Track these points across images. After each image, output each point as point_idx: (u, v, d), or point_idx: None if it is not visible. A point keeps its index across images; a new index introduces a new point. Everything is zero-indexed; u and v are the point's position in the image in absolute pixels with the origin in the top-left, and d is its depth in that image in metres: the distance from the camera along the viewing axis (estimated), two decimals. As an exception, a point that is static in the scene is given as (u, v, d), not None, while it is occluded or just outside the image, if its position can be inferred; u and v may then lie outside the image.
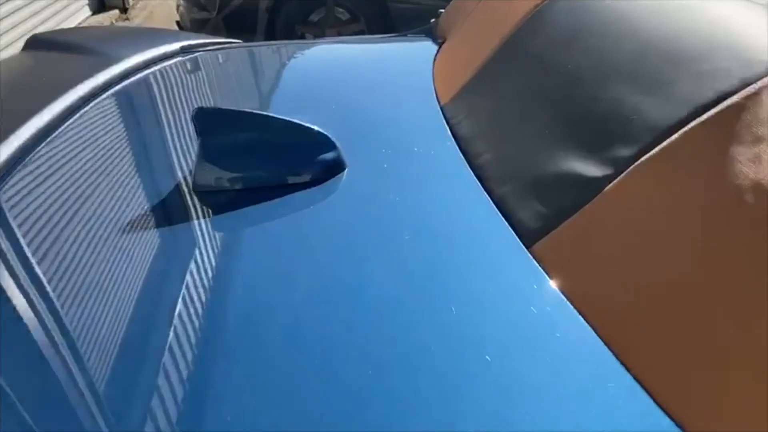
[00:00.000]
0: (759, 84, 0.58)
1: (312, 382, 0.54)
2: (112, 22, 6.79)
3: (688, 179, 0.59)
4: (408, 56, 1.37)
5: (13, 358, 0.58)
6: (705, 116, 0.59)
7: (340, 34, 4.66)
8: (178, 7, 5.09)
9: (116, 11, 7.11)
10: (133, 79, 1.22)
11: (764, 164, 0.53)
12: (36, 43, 1.29)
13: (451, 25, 1.37)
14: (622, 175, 0.63)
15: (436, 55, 1.30)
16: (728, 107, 0.59)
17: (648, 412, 0.51)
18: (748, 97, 0.58)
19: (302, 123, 0.82)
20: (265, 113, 0.80)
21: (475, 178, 0.80)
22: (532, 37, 0.93)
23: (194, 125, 0.79)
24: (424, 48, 1.37)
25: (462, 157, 0.85)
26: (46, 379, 0.57)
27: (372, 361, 0.56)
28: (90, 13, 6.76)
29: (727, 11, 0.75)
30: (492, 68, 0.97)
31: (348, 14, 4.77)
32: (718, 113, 0.59)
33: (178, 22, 5.16)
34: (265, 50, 1.56)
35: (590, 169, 0.66)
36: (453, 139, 0.90)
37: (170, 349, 0.58)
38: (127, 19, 7.04)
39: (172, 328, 0.61)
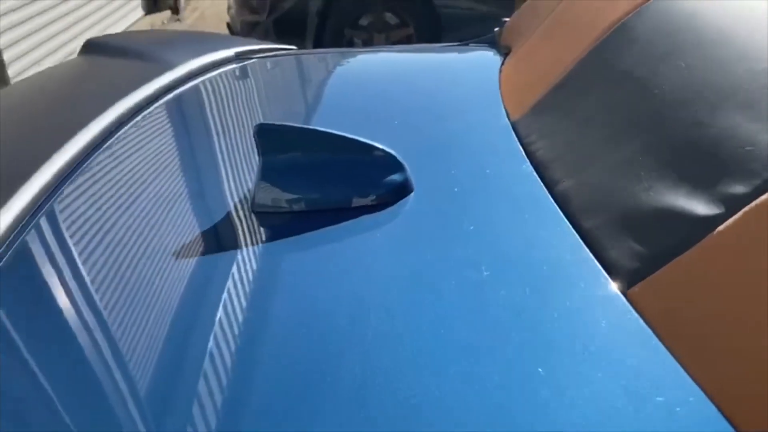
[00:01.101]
0: None
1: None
2: (163, 23, 6.91)
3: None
4: (472, 67, 1.30)
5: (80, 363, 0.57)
6: None
7: (389, 38, 4.65)
8: (228, 9, 5.15)
9: (168, 12, 7.24)
10: (188, 85, 1.19)
11: None
12: (92, 47, 1.26)
13: (519, 34, 1.29)
14: (737, 215, 0.56)
15: (501, 66, 1.23)
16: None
17: None
18: None
19: (367, 141, 0.76)
20: (329, 131, 0.75)
21: (556, 206, 0.73)
22: (623, 47, 0.85)
23: (255, 143, 0.74)
24: (488, 59, 1.31)
25: (540, 181, 0.78)
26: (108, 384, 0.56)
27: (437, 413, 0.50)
28: (143, 13, 6.91)
29: None
30: (573, 82, 0.89)
31: (397, 19, 4.75)
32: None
33: (228, 24, 5.21)
34: (321, 58, 1.51)
35: (696, 206, 0.59)
36: (528, 161, 0.83)
37: (227, 373, 0.54)
38: (179, 20, 7.15)
39: (224, 353, 0.57)
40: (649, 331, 0.56)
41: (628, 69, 0.80)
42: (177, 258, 0.70)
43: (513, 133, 0.92)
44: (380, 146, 0.76)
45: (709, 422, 0.49)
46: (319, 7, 4.63)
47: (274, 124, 0.75)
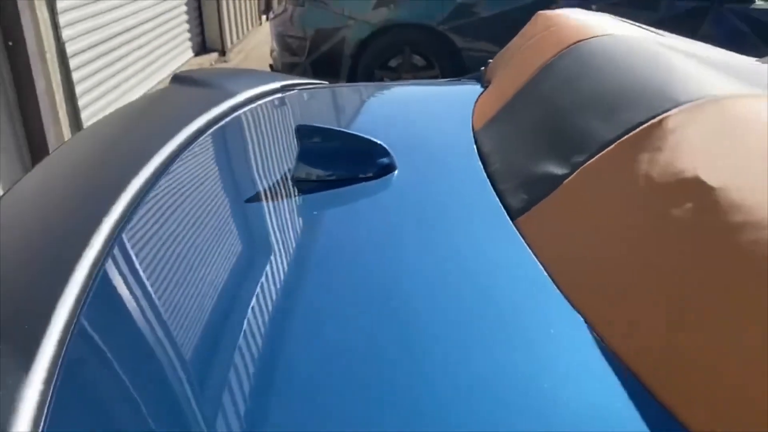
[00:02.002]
0: (663, 116, 0.90)
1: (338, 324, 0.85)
2: (211, 63, 7.45)
3: (614, 176, 0.91)
4: (459, 96, 1.72)
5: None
6: (626, 136, 0.92)
7: (416, 78, 5.08)
8: (271, 52, 5.66)
9: (215, 54, 7.76)
10: (245, 109, 1.63)
11: (660, 165, 0.85)
12: (177, 79, 1.73)
13: (495, 71, 1.72)
14: (576, 173, 0.96)
15: (479, 95, 1.65)
16: (642, 129, 0.91)
17: (616, 370, 0.70)
18: (654, 124, 0.90)
19: (368, 137, 1.19)
20: (343, 130, 1.17)
21: (486, 177, 1.14)
22: (540, 83, 1.27)
23: (296, 135, 1.17)
24: (472, 90, 1.73)
25: (481, 165, 1.20)
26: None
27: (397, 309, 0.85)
28: (193, 54, 7.40)
29: (675, 63, 1.07)
30: (512, 105, 1.31)
31: (424, 61, 5.19)
32: (636, 133, 0.91)
33: (271, 65, 5.72)
34: (347, 90, 1.96)
35: (557, 169, 0.99)
36: (477, 153, 1.25)
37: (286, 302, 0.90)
38: (225, 61, 7.71)
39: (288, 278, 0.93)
40: (526, 244, 0.95)
41: (538, 95, 1.23)
42: (254, 223, 1.11)
43: (472, 138, 1.33)
44: (376, 140, 1.18)
45: (574, 326, 0.79)
46: (352, 50, 5.09)
47: (307, 125, 1.18)
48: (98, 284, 0.85)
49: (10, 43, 3.50)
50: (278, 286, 0.89)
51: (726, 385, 0.61)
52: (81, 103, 4.25)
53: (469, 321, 0.80)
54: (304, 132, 1.18)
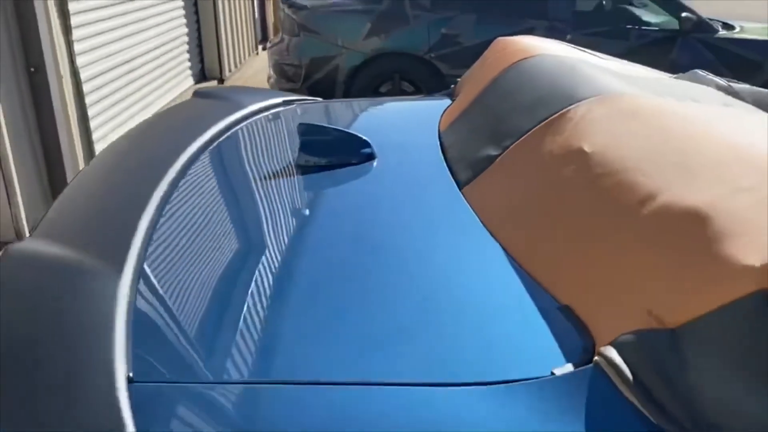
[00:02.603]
0: (563, 110, 1.25)
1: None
2: (211, 91, 7.76)
3: (531, 153, 1.25)
4: (430, 108, 2.07)
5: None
6: (538, 126, 1.27)
7: (404, 103, 5.43)
8: (269, 78, 6.01)
9: (215, 81, 8.09)
10: (254, 118, 1.97)
11: (558, 143, 1.19)
12: (198, 94, 2.07)
13: (461, 88, 2.07)
14: (504, 152, 1.30)
15: (447, 107, 2.00)
16: (549, 120, 1.25)
17: (522, 277, 1.05)
18: (557, 116, 1.24)
19: (355, 133, 1.53)
20: (333, 126, 1.52)
21: (445, 164, 1.48)
22: (488, 93, 1.63)
23: (297, 131, 1.52)
24: (443, 103, 2.08)
25: (442, 156, 1.54)
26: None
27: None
28: (193, 82, 7.72)
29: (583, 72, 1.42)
30: (467, 111, 1.66)
31: (412, 87, 5.55)
32: (545, 123, 1.26)
33: (268, 91, 6.05)
34: (339, 104, 2.31)
35: (492, 151, 1.34)
36: (439, 147, 1.59)
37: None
38: (224, 88, 8.04)
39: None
40: (468, 204, 1.29)
41: (489, 102, 1.58)
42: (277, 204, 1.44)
43: (437, 136, 1.68)
44: (360, 135, 1.52)
45: (495, 252, 1.16)
46: (345, 77, 5.45)
47: (307, 123, 1.53)
48: (164, 216, 1.20)
49: (32, 69, 3.84)
50: (293, 225, 1.27)
51: (594, 274, 0.95)
52: (93, 124, 4.59)
53: (425, 248, 1.14)
54: (304, 129, 1.52)
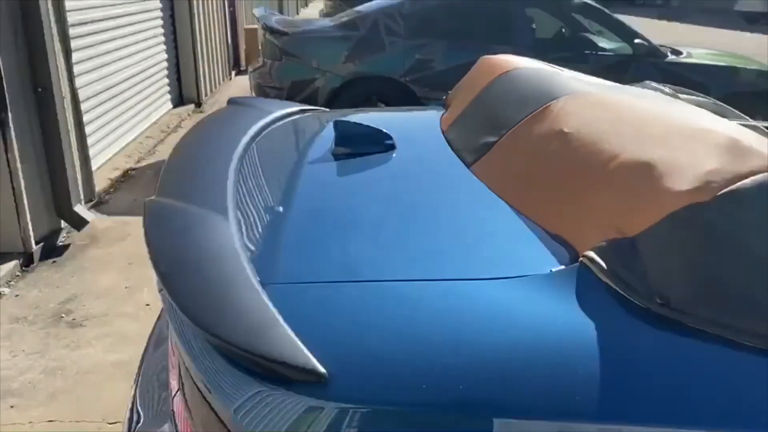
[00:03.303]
0: (545, 105, 1.65)
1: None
2: (189, 114, 8.00)
3: (523, 137, 1.64)
4: (429, 115, 2.46)
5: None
6: (527, 117, 1.66)
7: (379, 123, 5.82)
8: (251, 100, 6.32)
9: (192, 105, 8.30)
10: (279, 123, 2.32)
11: (543, 128, 1.58)
12: (232, 102, 2.42)
13: (451, 99, 2.47)
14: (502, 138, 1.69)
15: (442, 114, 2.39)
16: (536, 113, 1.65)
17: (531, 225, 1.43)
18: (541, 109, 1.64)
19: (378, 128, 1.90)
20: (363, 123, 1.90)
21: (454, 153, 1.86)
22: (480, 99, 2.02)
23: (334, 128, 1.88)
24: (438, 112, 2.47)
25: (450, 147, 1.92)
26: None
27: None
28: (172, 106, 7.94)
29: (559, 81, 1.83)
30: (464, 114, 2.06)
31: (387, 106, 5.94)
32: (532, 115, 1.66)
33: (251, 112, 6.35)
34: (350, 112, 2.69)
35: (492, 138, 1.73)
36: (444, 140, 1.98)
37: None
38: (201, 111, 8.26)
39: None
40: (475, 176, 1.67)
41: (482, 105, 1.97)
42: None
43: (442, 134, 2.06)
44: (386, 130, 1.90)
45: (499, 205, 1.56)
46: (325, 99, 5.76)
47: (341, 120, 1.89)
48: (241, 182, 1.56)
49: (40, 89, 4.11)
50: (344, 189, 1.65)
51: (575, 209, 1.33)
52: (90, 140, 4.87)
53: (450, 204, 1.52)
54: (338, 124, 1.89)
